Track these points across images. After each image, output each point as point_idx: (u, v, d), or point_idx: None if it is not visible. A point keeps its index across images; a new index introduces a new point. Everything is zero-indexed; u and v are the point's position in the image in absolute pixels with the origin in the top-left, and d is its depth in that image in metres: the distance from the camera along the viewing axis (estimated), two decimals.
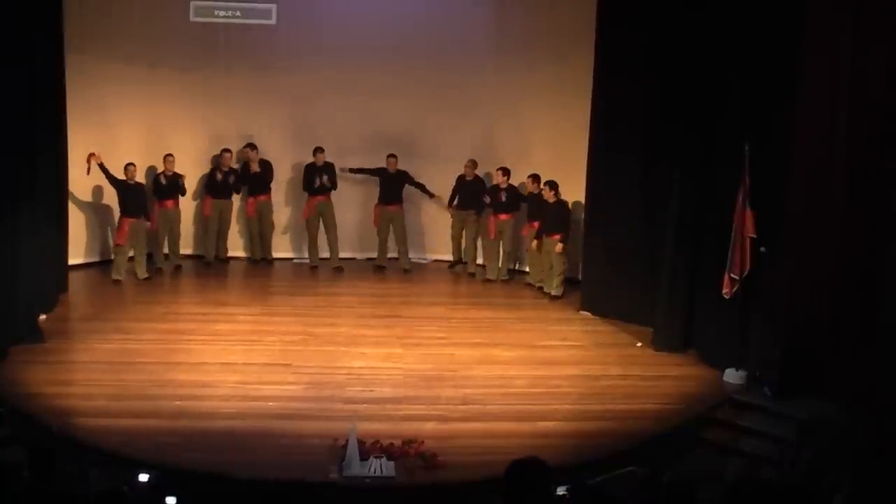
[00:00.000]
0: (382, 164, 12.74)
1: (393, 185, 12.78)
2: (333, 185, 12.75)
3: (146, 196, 12.17)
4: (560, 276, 11.75)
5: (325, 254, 12.97)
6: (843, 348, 8.53)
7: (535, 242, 11.99)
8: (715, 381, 9.20)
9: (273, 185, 13.00)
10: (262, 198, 12.89)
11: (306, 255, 13.15)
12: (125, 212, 11.89)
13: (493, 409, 8.53)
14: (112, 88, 12.36)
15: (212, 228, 12.86)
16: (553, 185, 11.74)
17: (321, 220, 12.83)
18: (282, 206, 13.23)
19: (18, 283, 9.40)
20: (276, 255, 13.20)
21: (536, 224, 12.09)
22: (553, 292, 11.80)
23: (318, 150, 12.64)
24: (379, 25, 12.75)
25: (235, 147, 12.94)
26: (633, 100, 10.50)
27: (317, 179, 12.62)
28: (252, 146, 12.77)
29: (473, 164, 12.70)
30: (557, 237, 11.71)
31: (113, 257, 12.09)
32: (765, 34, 8.81)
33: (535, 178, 12.09)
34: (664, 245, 10.04)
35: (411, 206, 13.18)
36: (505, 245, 12.56)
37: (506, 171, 12.33)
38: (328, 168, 12.72)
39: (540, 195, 12.04)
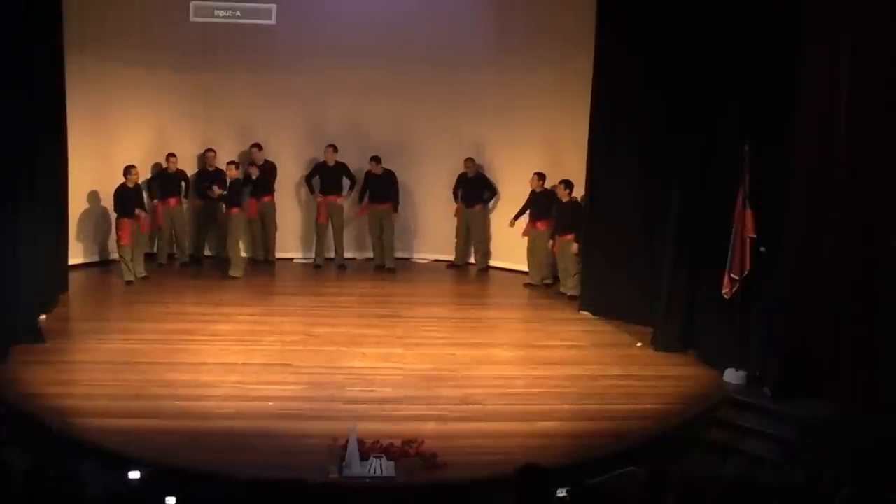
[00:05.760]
0: (389, 166, 12.78)
1: (380, 185, 12.80)
2: (352, 185, 12.94)
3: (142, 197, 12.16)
4: (575, 276, 11.65)
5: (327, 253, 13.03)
6: (843, 348, 8.52)
7: (550, 242, 11.93)
8: (715, 381, 9.19)
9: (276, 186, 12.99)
10: (266, 199, 12.84)
11: (309, 254, 13.17)
12: (123, 213, 11.83)
13: (493, 409, 8.52)
14: (112, 89, 12.36)
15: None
16: (569, 184, 11.67)
17: (331, 220, 12.88)
18: (283, 206, 13.18)
19: (18, 283, 9.39)
20: (276, 255, 13.17)
21: (540, 223, 12.08)
22: (569, 293, 11.73)
23: (330, 147, 12.70)
24: (379, 26, 12.73)
25: (239, 147, 12.98)
26: (633, 100, 10.49)
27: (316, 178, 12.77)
28: (257, 146, 12.76)
29: (472, 161, 12.79)
30: (570, 237, 11.68)
31: (119, 259, 11.94)
32: (764, 34, 8.81)
33: (540, 175, 12.07)
34: (664, 245, 10.03)
35: (410, 205, 13.19)
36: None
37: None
38: (341, 168, 12.78)
39: (544, 193, 12.06)
